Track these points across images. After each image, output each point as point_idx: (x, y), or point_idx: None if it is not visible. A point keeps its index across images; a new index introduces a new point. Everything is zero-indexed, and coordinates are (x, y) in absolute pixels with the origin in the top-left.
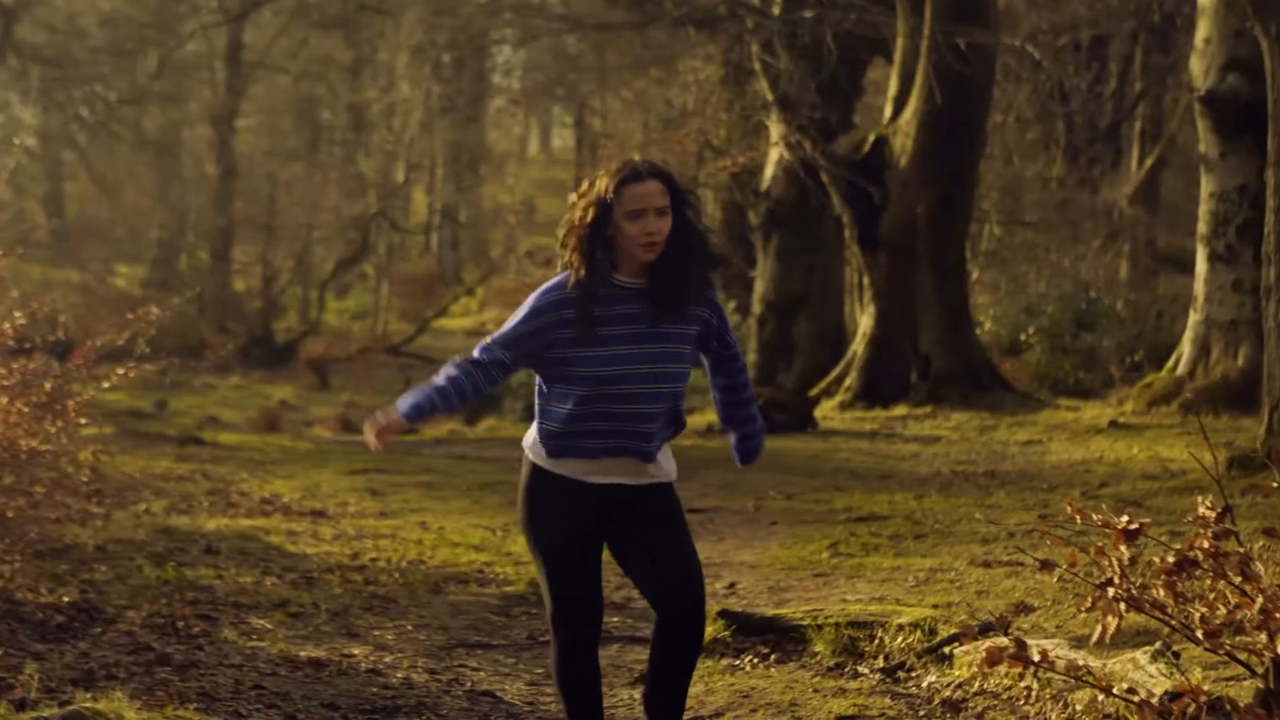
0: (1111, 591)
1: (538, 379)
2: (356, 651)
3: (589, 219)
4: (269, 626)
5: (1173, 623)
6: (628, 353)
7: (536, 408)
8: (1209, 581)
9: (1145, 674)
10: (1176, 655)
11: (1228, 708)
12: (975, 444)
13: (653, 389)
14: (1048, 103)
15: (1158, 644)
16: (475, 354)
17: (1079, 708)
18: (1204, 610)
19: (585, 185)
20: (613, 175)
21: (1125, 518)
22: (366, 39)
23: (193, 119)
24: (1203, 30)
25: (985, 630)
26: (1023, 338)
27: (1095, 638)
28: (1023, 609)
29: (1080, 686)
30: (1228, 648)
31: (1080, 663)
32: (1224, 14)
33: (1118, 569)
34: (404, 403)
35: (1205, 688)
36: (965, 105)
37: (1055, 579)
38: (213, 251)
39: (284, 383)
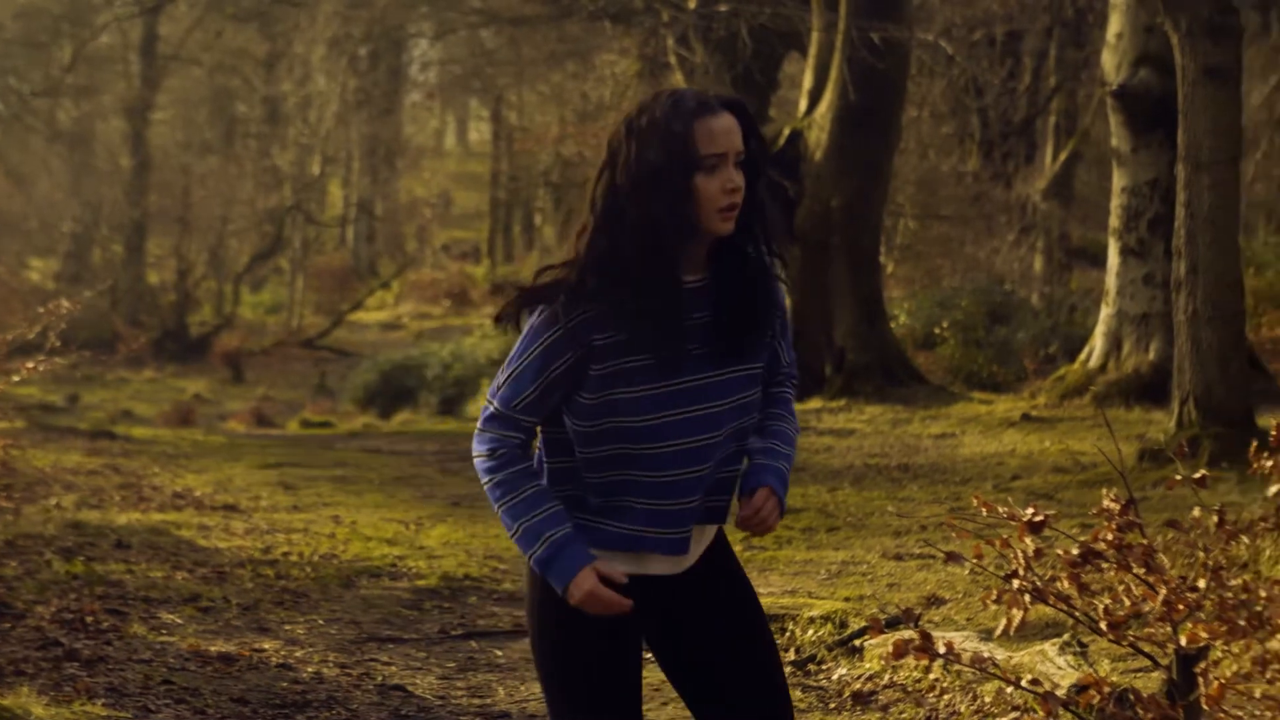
0: (1016, 583)
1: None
2: (267, 646)
3: (667, 165)
4: (179, 621)
5: (1077, 615)
6: (703, 383)
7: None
8: (1114, 574)
9: (1053, 666)
10: (1085, 647)
11: (1132, 699)
12: (889, 437)
13: (729, 429)
14: (962, 97)
15: (1066, 636)
16: (499, 437)
17: (987, 699)
18: (1109, 602)
19: (626, 122)
20: (664, 106)
21: (1030, 510)
22: (282, 32)
23: (107, 111)
24: (1114, 25)
25: (893, 623)
26: (937, 331)
27: (1001, 630)
28: (934, 601)
29: (988, 679)
30: (1132, 639)
31: (987, 655)
32: (1135, 9)
33: (1023, 561)
34: (532, 547)
35: (1112, 679)
36: (880, 99)
37: (967, 572)
38: (126, 244)
39: (198, 376)
